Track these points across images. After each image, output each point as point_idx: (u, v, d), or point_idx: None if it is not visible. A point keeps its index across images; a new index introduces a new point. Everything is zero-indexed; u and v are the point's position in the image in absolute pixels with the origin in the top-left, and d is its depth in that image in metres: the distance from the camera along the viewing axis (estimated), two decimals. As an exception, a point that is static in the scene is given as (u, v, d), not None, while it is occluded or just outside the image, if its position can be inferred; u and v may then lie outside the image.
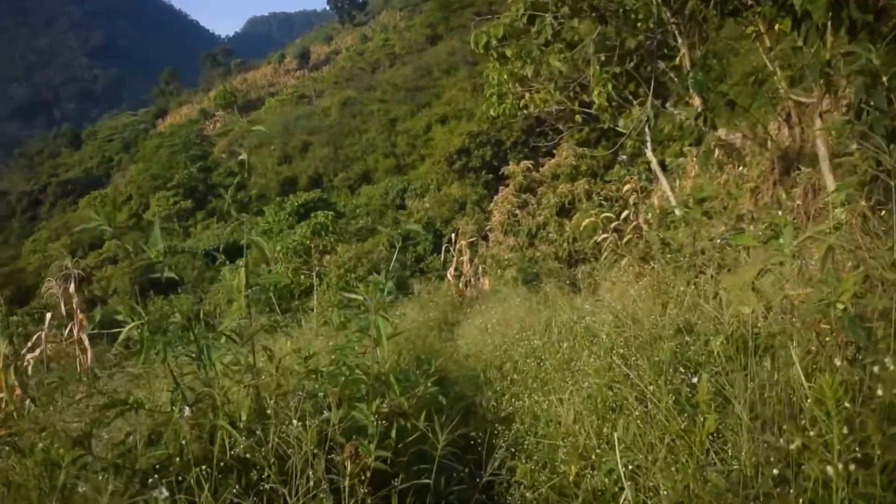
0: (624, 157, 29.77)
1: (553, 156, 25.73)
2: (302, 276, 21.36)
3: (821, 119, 7.16)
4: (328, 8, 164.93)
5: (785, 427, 2.92)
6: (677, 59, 9.49)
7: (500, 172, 26.83)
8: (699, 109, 8.26)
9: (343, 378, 3.93)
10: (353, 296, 4.38)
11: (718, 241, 5.83)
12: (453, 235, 22.12)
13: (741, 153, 15.22)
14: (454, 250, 21.07)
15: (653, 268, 6.39)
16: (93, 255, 75.76)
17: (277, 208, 54.49)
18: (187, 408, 3.46)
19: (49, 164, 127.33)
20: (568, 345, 5.61)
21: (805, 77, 7.47)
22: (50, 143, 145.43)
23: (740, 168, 13.80)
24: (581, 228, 14.97)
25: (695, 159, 18.89)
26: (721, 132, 9.04)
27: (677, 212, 10.90)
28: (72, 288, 10.74)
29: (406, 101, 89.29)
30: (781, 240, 3.85)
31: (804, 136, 8.15)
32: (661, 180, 13.42)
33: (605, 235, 10.59)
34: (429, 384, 4.49)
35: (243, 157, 4.67)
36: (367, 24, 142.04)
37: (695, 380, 3.74)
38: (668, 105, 9.63)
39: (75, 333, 10.77)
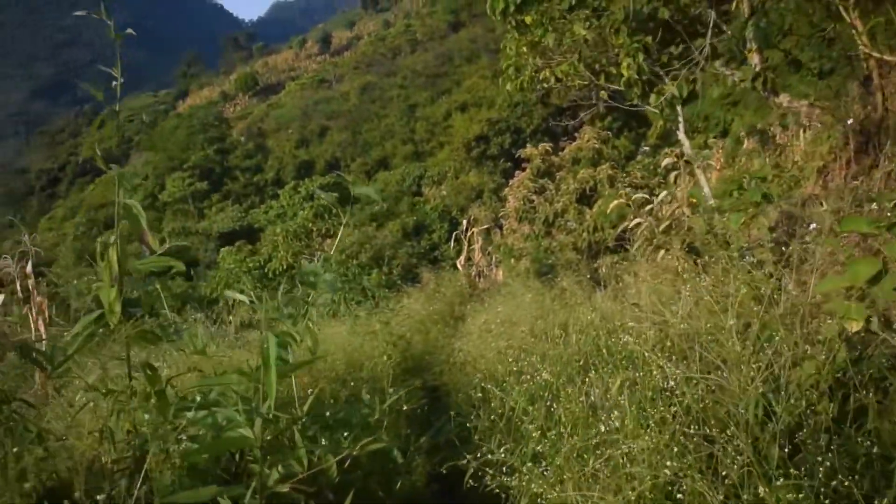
0: (646, 147, 28.17)
1: (574, 139, 24.16)
2: (303, 261, 20.14)
3: (911, 82, 5.80)
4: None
5: None
6: (733, 5, 8.00)
7: (517, 155, 25.23)
8: (757, 69, 6.81)
9: (214, 436, 2.54)
10: (237, 296, 3.01)
11: (811, 226, 4.46)
12: (465, 223, 20.66)
13: (777, 141, 13.80)
14: (465, 238, 19.68)
15: (699, 262, 5.03)
16: (107, 233, 75.23)
17: (292, 192, 53.68)
18: None
19: (69, 143, 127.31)
20: (595, 376, 4.10)
21: (893, 30, 6.10)
22: (71, 121, 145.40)
23: (779, 155, 12.39)
24: (608, 212, 13.43)
25: (721, 150, 17.39)
26: (783, 98, 7.61)
27: (712, 202, 9.53)
28: (28, 267, 9.53)
29: (426, 87, 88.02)
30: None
31: (887, 103, 6.75)
32: (695, 167, 12.02)
33: (637, 220, 8.94)
34: (380, 429, 3.12)
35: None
36: (390, 10, 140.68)
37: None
38: (717, 65, 8.17)
39: (31, 316, 9.63)
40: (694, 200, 6.90)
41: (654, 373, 3.53)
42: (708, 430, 2.94)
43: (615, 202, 11.00)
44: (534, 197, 21.24)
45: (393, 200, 56.04)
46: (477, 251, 18.84)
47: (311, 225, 25.15)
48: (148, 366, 2.71)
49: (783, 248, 4.68)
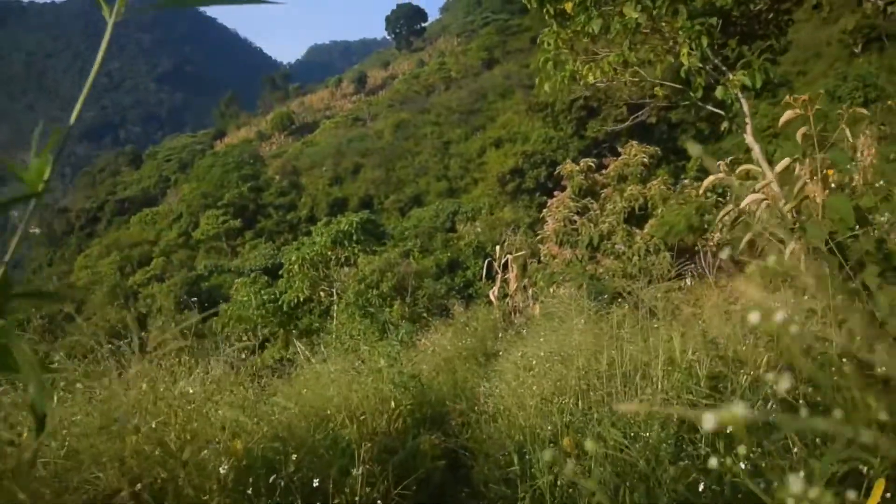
0: (686, 180, 25.91)
1: (619, 155, 22.05)
2: (321, 293, 18.54)
3: None
4: (387, 35, 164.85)
5: None
6: None
7: (556, 171, 23.22)
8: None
9: None
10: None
11: None
12: (497, 248, 18.64)
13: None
14: (498, 266, 17.71)
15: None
16: (140, 272, 74.59)
17: (324, 229, 52.59)
18: None
19: (109, 182, 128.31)
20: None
21: None
22: (112, 162, 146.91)
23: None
24: (699, 194, 11.42)
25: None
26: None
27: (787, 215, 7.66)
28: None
29: (460, 123, 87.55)
30: None
31: None
32: (768, 175, 10.10)
33: (728, 210, 6.67)
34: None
35: None
36: (424, 50, 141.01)
37: None
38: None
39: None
40: (833, 173, 4.75)
41: None
42: None
43: (709, 179, 9.00)
44: (575, 218, 19.11)
45: (426, 237, 54.55)
46: (512, 280, 16.92)
47: (328, 252, 23.42)
48: None
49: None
